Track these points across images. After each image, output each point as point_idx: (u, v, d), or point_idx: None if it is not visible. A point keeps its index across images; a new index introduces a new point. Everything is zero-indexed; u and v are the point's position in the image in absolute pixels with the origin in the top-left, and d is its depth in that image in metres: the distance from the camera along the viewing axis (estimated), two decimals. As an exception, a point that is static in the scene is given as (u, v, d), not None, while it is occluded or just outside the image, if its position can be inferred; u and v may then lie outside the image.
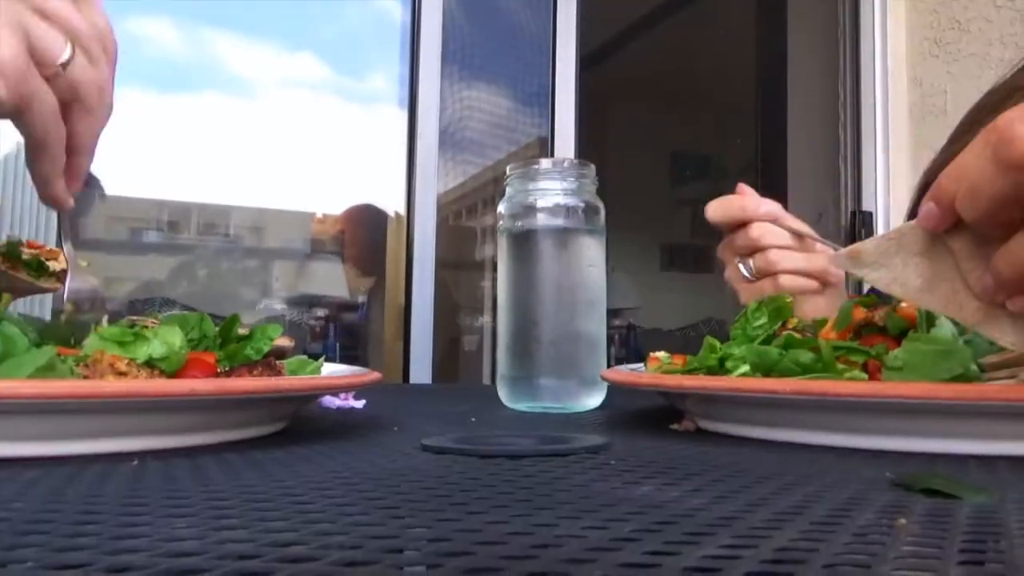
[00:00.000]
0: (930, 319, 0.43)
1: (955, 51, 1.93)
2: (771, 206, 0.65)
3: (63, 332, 0.42)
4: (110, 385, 0.36)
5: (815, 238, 0.65)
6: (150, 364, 0.41)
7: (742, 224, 0.66)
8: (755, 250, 0.65)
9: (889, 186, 2.04)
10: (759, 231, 0.65)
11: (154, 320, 0.46)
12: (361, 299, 2.39)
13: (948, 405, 0.36)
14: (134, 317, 0.46)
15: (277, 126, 2.36)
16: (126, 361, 0.40)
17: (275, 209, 2.60)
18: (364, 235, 2.38)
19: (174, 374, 0.42)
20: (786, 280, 0.64)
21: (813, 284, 0.65)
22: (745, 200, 0.66)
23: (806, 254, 0.65)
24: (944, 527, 0.23)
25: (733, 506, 0.26)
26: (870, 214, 2.06)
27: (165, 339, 0.42)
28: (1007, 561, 0.20)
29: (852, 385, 0.38)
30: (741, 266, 0.67)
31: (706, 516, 0.24)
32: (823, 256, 0.65)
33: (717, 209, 0.66)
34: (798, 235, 0.65)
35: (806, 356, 0.43)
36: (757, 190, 0.67)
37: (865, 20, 2.09)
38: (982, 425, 0.37)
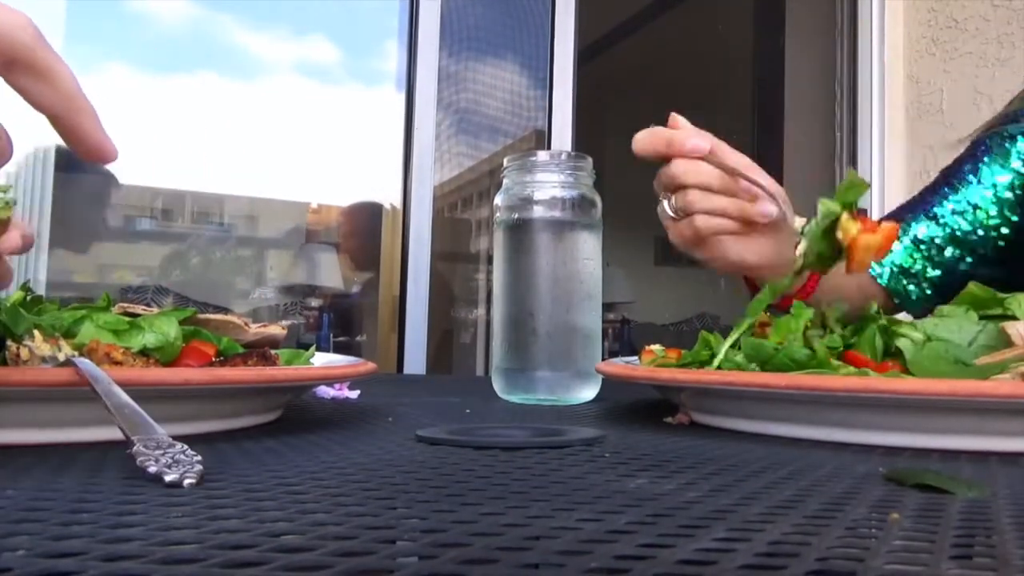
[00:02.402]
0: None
1: (952, 50, 1.93)
2: (702, 140, 0.58)
3: None
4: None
5: (748, 177, 0.58)
6: (145, 353, 0.41)
7: (669, 158, 0.59)
8: (677, 188, 0.60)
9: (884, 183, 2.04)
10: (680, 167, 0.59)
11: (146, 308, 0.46)
12: (355, 289, 2.39)
13: (941, 401, 0.36)
14: (126, 304, 0.46)
15: (272, 115, 2.35)
16: (121, 350, 0.39)
17: (269, 198, 2.59)
18: (360, 229, 2.38)
19: (169, 363, 0.42)
20: (701, 220, 0.59)
21: (731, 225, 0.59)
22: (673, 133, 0.59)
23: (730, 197, 0.59)
24: (936, 522, 0.23)
25: (727, 499, 0.26)
26: (865, 211, 2.06)
27: (160, 329, 0.42)
28: (998, 556, 0.20)
29: (846, 380, 0.38)
30: (665, 203, 0.62)
31: (700, 509, 0.24)
32: (746, 199, 0.59)
33: (641, 141, 0.60)
34: (729, 172, 0.58)
35: (801, 351, 0.43)
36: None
37: (863, 18, 2.09)
38: (975, 421, 0.38)
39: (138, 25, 2.23)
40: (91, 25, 2.11)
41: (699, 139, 0.58)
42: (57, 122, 0.35)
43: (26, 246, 0.44)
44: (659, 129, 0.60)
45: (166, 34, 2.28)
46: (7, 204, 0.39)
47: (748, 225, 0.60)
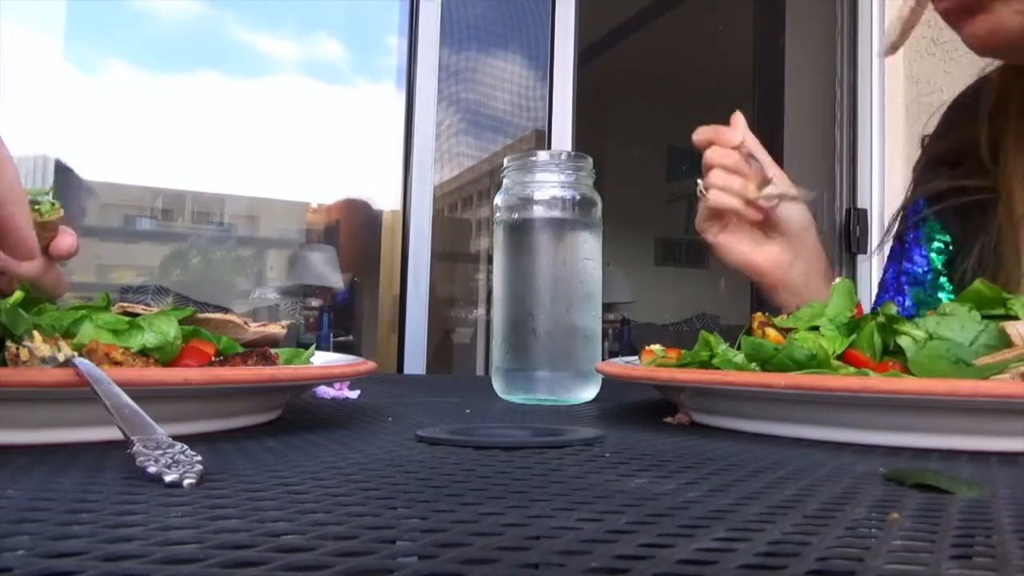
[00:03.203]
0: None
1: (952, 49, 1.93)
2: (740, 134, 0.67)
3: None
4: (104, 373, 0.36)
5: (766, 173, 0.67)
6: (144, 353, 0.41)
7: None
8: (707, 170, 0.68)
9: (884, 184, 2.04)
10: (710, 154, 0.68)
11: (146, 308, 0.46)
12: (355, 288, 2.39)
13: (941, 401, 0.36)
14: (125, 304, 0.46)
15: (272, 114, 2.35)
16: (121, 350, 0.39)
17: (269, 198, 2.59)
18: (360, 228, 2.38)
19: (168, 363, 0.42)
20: (713, 195, 0.67)
21: (734, 202, 0.67)
22: (718, 128, 0.68)
23: (743, 179, 0.67)
24: (936, 522, 0.23)
25: (727, 499, 0.26)
26: (865, 211, 2.06)
27: (160, 329, 0.42)
28: (998, 556, 0.20)
29: (846, 380, 0.38)
30: (700, 182, 0.69)
31: (700, 509, 0.24)
32: (757, 184, 0.67)
33: (698, 132, 0.69)
34: (749, 160, 0.67)
35: (801, 352, 0.43)
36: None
37: (863, 17, 2.09)
38: (975, 421, 0.38)
39: (138, 23, 2.23)
40: (91, 23, 2.10)
41: (734, 132, 0.67)
42: None
43: (74, 251, 0.43)
44: (713, 126, 0.69)
45: (166, 33, 2.28)
46: (54, 206, 0.39)
47: (757, 213, 0.67)
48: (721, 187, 0.67)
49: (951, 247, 0.75)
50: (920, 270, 0.76)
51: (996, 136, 0.68)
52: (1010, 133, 0.67)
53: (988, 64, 0.73)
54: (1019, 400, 0.35)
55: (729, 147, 0.67)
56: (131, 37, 2.21)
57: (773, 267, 0.69)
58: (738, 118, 0.69)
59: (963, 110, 0.75)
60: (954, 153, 0.73)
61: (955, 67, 1.92)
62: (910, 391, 0.37)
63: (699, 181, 0.70)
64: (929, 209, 0.77)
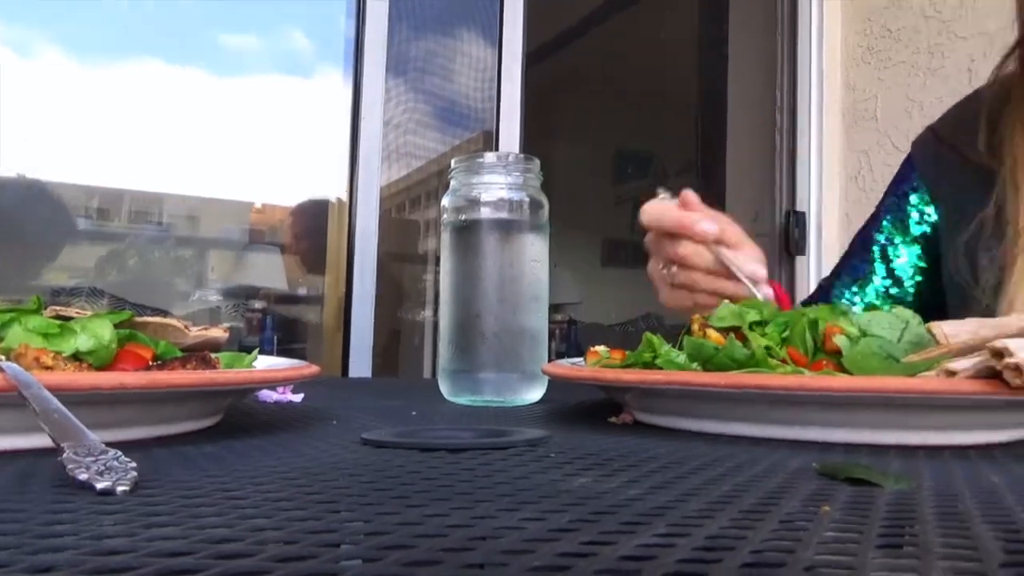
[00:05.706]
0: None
1: (886, 58, 2.01)
2: (711, 225, 0.63)
3: None
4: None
5: (739, 277, 0.64)
6: (77, 358, 0.40)
7: (673, 234, 0.65)
8: (682, 264, 0.65)
9: (822, 187, 2.11)
10: (689, 249, 0.64)
11: (80, 311, 0.44)
12: (300, 290, 2.35)
13: (872, 398, 0.38)
14: (58, 307, 0.45)
15: (215, 111, 2.29)
16: (52, 354, 0.38)
17: (211, 198, 2.53)
18: (305, 229, 2.34)
19: (103, 368, 0.41)
20: (703, 299, 0.65)
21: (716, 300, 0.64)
22: (683, 215, 0.64)
23: (731, 282, 0.64)
24: (864, 514, 0.24)
25: (668, 496, 0.26)
26: (803, 214, 2.12)
27: (93, 332, 0.41)
28: (920, 544, 0.21)
29: (784, 379, 0.39)
30: (661, 268, 0.67)
31: (641, 506, 0.25)
32: (742, 286, 0.64)
33: (650, 215, 0.65)
34: (726, 268, 0.64)
35: (741, 352, 0.44)
36: (696, 189, 0.67)
37: (802, 25, 2.16)
38: (902, 416, 0.39)
39: (73, 6, 2.14)
40: (23, 3, 2.01)
41: (709, 224, 0.63)
42: None
43: None
44: (667, 206, 0.65)
45: (103, 17, 2.19)
46: None
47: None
48: (711, 291, 0.64)
49: (936, 225, 0.76)
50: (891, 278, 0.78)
51: (998, 121, 0.68)
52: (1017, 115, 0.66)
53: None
54: (944, 396, 0.37)
55: (696, 237, 0.63)
56: (66, 21, 2.12)
57: None
58: (689, 194, 0.64)
59: (970, 101, 0.75)
60: (956, 126, 0.73)
61: (889, 75, 2.00)
62: (842, 388, 0.38)
63: (659, 265, 0.67)
64: (923, 180, 0.77)
